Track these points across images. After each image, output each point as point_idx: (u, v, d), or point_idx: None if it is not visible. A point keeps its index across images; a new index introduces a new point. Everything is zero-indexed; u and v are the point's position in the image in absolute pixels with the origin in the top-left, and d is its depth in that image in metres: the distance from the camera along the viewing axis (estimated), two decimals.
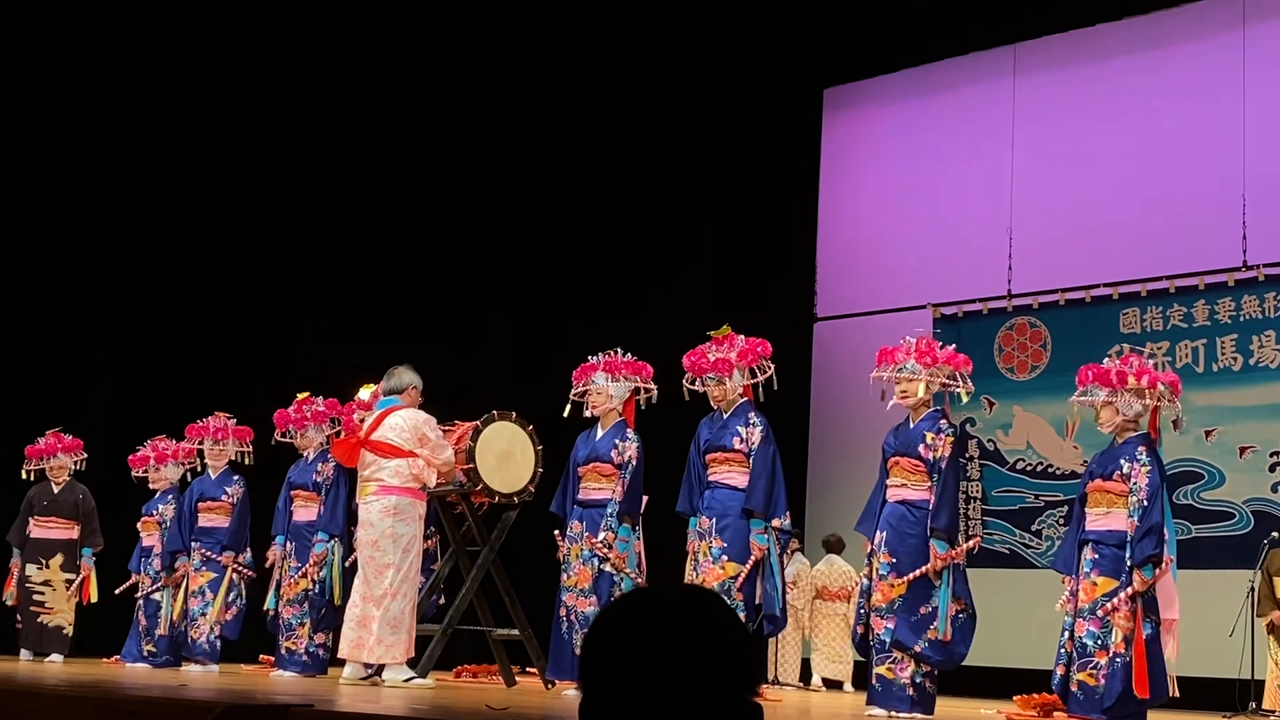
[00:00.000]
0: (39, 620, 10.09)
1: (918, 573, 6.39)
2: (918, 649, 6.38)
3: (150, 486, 10.10)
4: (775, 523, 7.03)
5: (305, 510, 9.06)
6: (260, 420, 9.59)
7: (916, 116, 12.94)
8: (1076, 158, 11.90)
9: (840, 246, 13.28)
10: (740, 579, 6.92)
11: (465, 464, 7.91)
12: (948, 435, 6.56)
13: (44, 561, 10.19)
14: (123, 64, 12.19)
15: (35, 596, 10.13)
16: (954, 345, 6.96)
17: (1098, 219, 11.66)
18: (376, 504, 7.56)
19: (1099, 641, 6.39)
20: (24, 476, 10.34)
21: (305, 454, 9.17)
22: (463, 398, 9.55)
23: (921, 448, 6.55)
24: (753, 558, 6.96)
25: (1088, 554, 6.52)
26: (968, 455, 11.96)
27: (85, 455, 10.44)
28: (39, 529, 10.27)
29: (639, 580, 7.46)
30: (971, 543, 6.65)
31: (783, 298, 12.97)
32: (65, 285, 12.09)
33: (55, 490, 10.29)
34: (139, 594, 9.95)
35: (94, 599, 10.22)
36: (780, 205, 13.25)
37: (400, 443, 7.58)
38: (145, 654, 9.76)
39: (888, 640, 6.44)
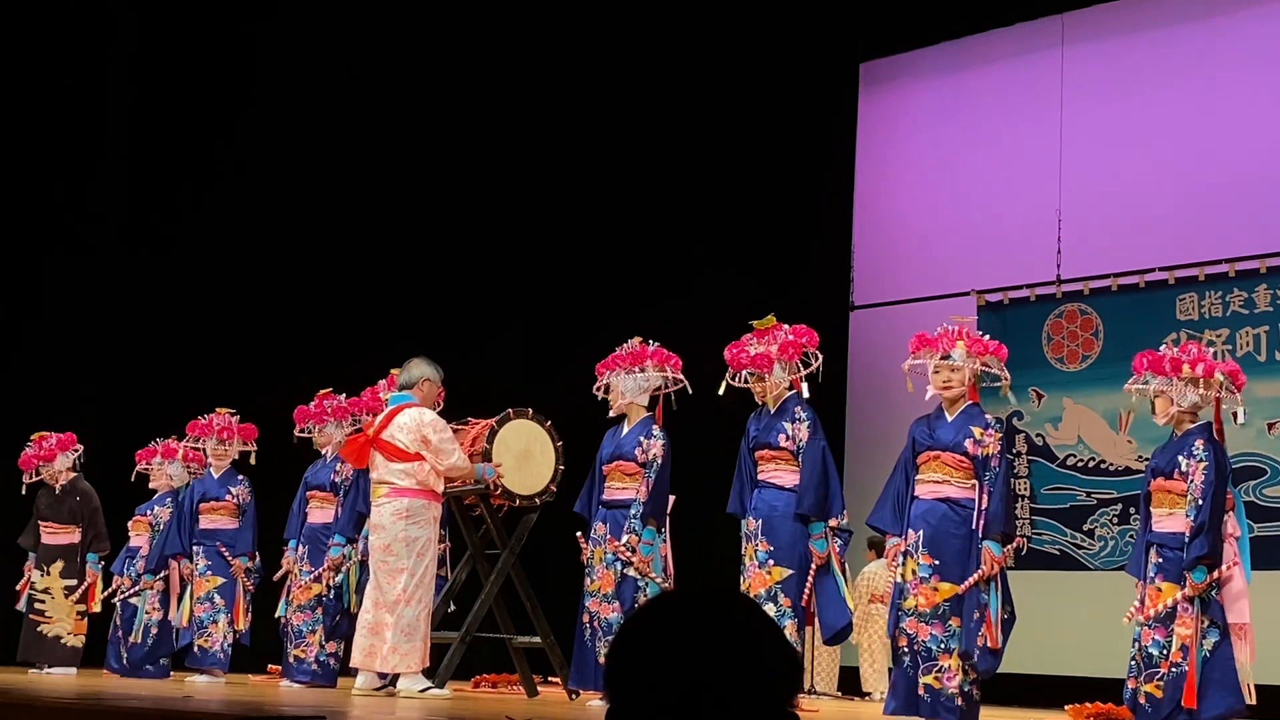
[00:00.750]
0: (38, 630, 10.09)
1: (973, 579, 6.34)
2: (975, 657, 6.34)
3: (150, 485, 10.10)
4: (833, 522, 6.99)
5: (321, 512, 9.05)
6: (265, 421, 9.61)
7: (958, 92, 12.85)
8: (1129, 134, 11.80)
9: (878, 231, 13.20)
10: (806, 588, 6.87)
11: None
12: (997, 430, 6.51)
13: (46, 568, 10.19)
14: (124, 48, 12.26)
15: (36, 605, 10.13)
16: (988, 335, 6.89)
17: (1152, 199, 11.56)
18: (388, 506, 7.51)
19: (1164, 652, 6.32)
20: (23, 491, 10.29)
21: (324, 453, 9.17)
22: (479, 393, 9.54)
23: (969, 443, 6.48)
24: (813, 564, 6.91)
25: (1153, 558, 6.45)
26: (1015, 450, 11.87)
27: (81, 448, 10.37)
28: (45, 534, 10.27)
29: (665, 585, 7.42)
30: (1015, 543, 6.60)
31: (817, 285, 12.90)
32: (65, 282, 12.14)
33: (56, 493, 10.28)
34: (116, 597, 9.94)
35: (97, 608, 10.11)
36: (813, 187, 13.17)
37: (406, 444, 7.50)
38: (114, 663, 9.76)
39: (935, 648, 6.38)
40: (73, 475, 10.28)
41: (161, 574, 9.74)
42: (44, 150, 12.01)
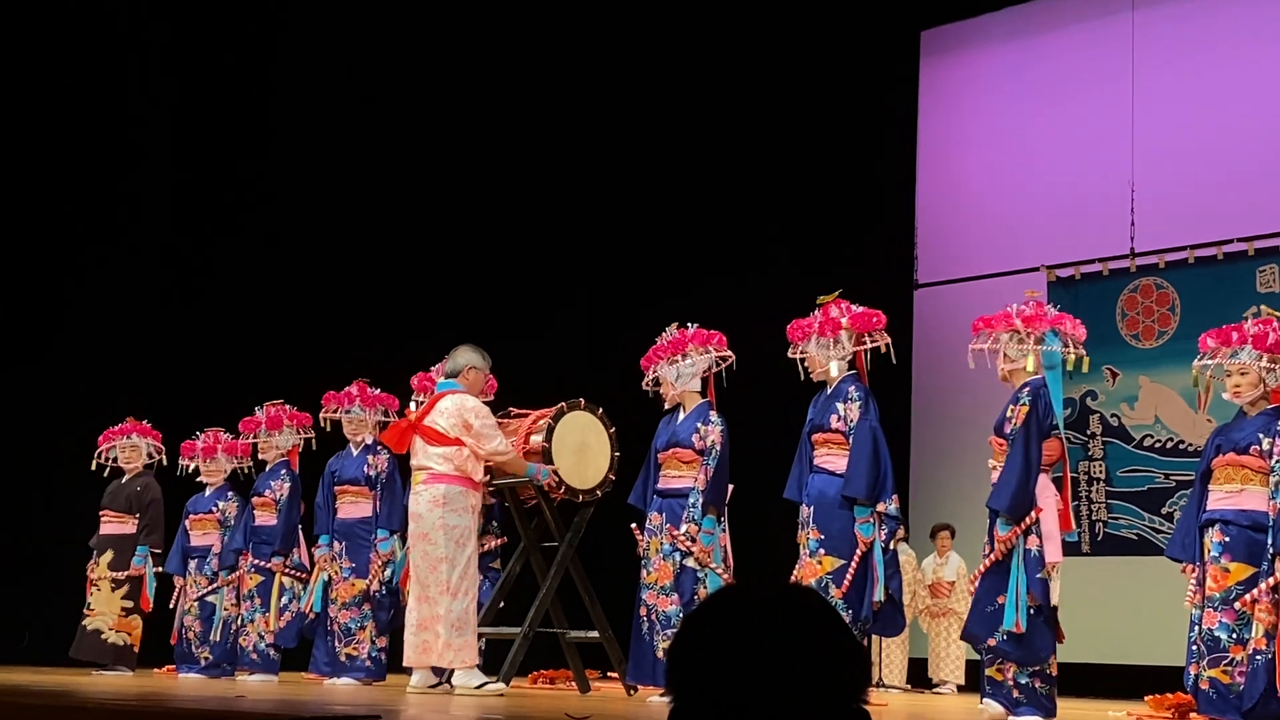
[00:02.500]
0: (83, 624, 10.13)
1: (985, 564, 6.31)
2: (992, 642, 6.28)
3: (201, 479, 10.16)
4: (880, 507, 6.93)
5: (355, 506, 9.10)
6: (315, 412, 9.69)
7: (1024, 58, 12.75)
8: (1203, 99, 11.67)
9: (942, 205, 13.13)
10: (847, 576, 6.84)
11: (544, 466, 7.90)
12: (1024, 404, 6.37)
13: (97, 558, 10.21)
14: (162, 40, 12.41)
15: (87, 598, 10.18)
16: (1058, 306, 6.80)
17: (1229, 166, 11.44)
18: (425, 494, 7.54)
19: (1234, 635, 6.22)
20: (93, 466, 10.33)
21: (352, 444, 9.21)
22: (533, 378, 9.57)
23: (1006, 424, 6.45)
24: (857, 551, 6.88)
25: (1214, 536, 6.32)
26: (1089, 432, 11.80)
27: (163, 448, 10.37)
28: (102, 523, 10.26)
29: (725, 576, 7.42)
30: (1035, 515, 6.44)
31: (879, 263, 12.84)
32: (105, 281, 12.26)
33: (122, 481, 10.32)
34: (193, 597, 10.01)
35: (149, 607, 10.00)
36: (874, 162, 13.11)
37: (446, 428, 7.53)
38: (202, 662, 9.82)
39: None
40: (143, 466, 10.31)
41: (236, 571, 9.83)
42: (86, 147, 12.14)
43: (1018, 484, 6.28)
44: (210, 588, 9.90)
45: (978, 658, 6.72)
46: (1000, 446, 6.47)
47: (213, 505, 10.07)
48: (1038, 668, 6.35)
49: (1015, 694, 6.32)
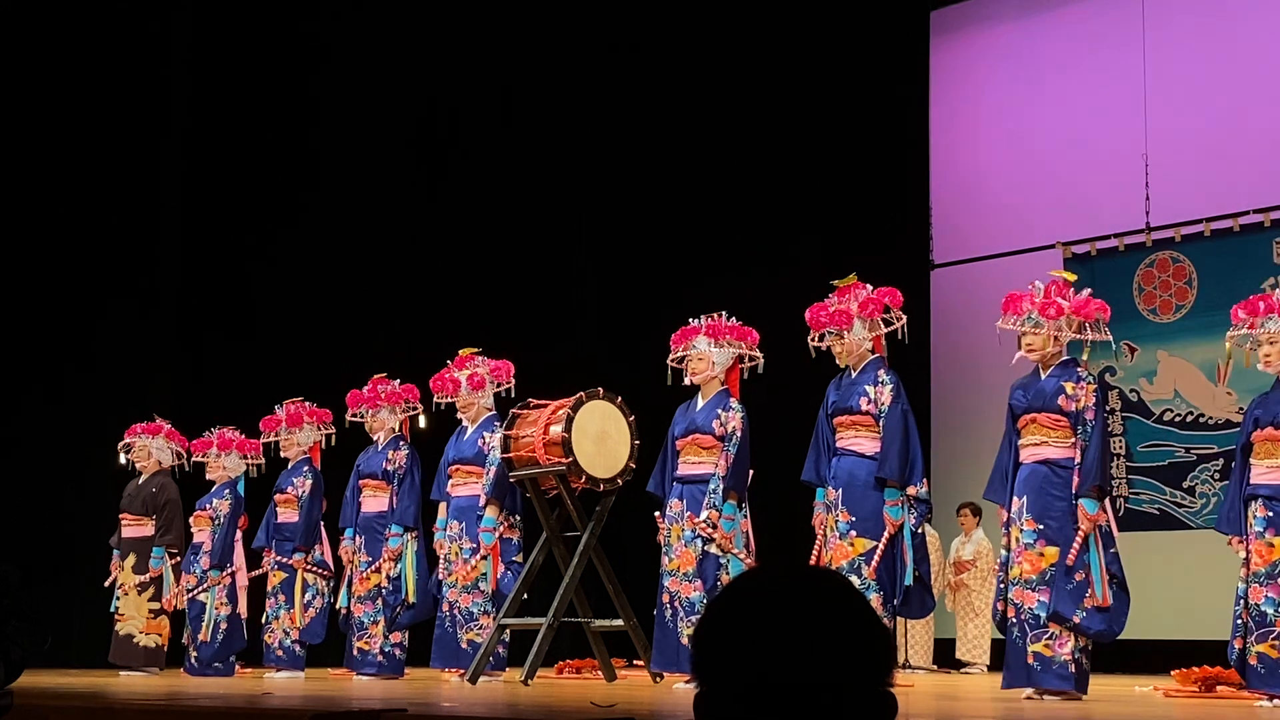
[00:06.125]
0: (115, 628, 10.15)
1: (1076, 545, 6.31)
2: (1077, 619, 6.30)
3: (208, 477, 10.14)
4: (911, 490, 6.94)
5: (375, 501, 9.11)
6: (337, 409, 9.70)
7: (1034, 34, 12.69)
8: (1216, 70, 11.61)
9: (956, 185, 13.09)
10: (875, 556, 6.84)
11: (564, 456, 7.84)
12: (1089, 383, 6.48)
13: (121, 563, 10.23)
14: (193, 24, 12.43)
15: (116, 602, 10.20)
16: (1089, 290, 6.80)
17: (1244, 138, 11.37)
18: None
19: (1278, 609, 6.23)
20: (120, 461, 10.32)
21: (375, 440, 9.22)
22: (552, 370, 9.57)
23: (1061, 400, 6.46)
24: (886, 532, 6.88)
25: (1257, 511, 6.32)
26: (1109, 408, 11.75)
27: (184, 452, 10.28)
28: (123, 526, 10.22)
29: (747, 562, 7.42)
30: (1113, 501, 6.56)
31: (895, 244, 12.81)
32: (131, 279, 12.28)
33: (139, 483, 10.31)
34: (184, 595, 9.97)
35: (178, 605, 9.94)
36: (888, 143, 13.07)
37: None
38: (193, 662, 9.76)
39: (1043, 615, 6.36)
40: (160, 468, 10.30)
41: (228, 569, 9.80)
42: (106, 152, 12.14)
43: (1106, 463, 6.46)
44: (199, 586, 9.85)
45: (1002, 637, 6.70)
46: (1054, 423, 6.47)
47: (207, 503, 10.05)
48: (1097, 643, 6.39)
49: (1071, 669, 6.34)
